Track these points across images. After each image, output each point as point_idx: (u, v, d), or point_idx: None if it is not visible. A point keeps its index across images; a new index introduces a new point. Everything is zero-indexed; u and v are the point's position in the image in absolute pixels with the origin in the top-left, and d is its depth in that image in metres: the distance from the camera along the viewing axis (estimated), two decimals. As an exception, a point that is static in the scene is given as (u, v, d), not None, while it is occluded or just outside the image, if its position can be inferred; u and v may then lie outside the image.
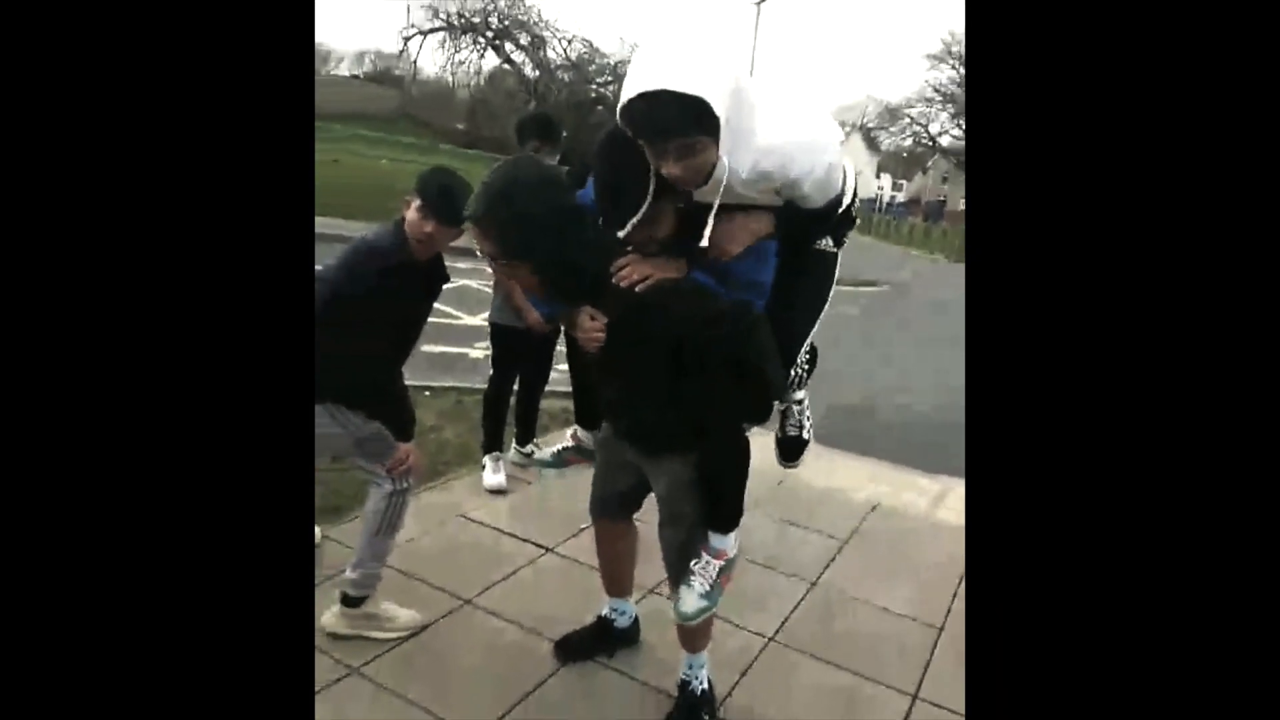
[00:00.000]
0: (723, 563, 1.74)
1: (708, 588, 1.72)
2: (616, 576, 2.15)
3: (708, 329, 1.47)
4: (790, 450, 2.09)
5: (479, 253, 1.53)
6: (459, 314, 7.15)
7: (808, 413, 2.11)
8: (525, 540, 2.78)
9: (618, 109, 1.32)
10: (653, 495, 1.85)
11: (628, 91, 1.29)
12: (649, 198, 1.42)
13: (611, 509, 2.02)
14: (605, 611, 2.20)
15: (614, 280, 1.51)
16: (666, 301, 1.49)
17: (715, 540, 1.74)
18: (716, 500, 1.73)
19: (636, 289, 1.49)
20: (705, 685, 1.98)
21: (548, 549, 2.74)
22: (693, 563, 1.74)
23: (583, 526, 2.66)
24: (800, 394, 2.08)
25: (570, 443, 2.31)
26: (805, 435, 2.07)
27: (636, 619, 2.24)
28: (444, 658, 2.12)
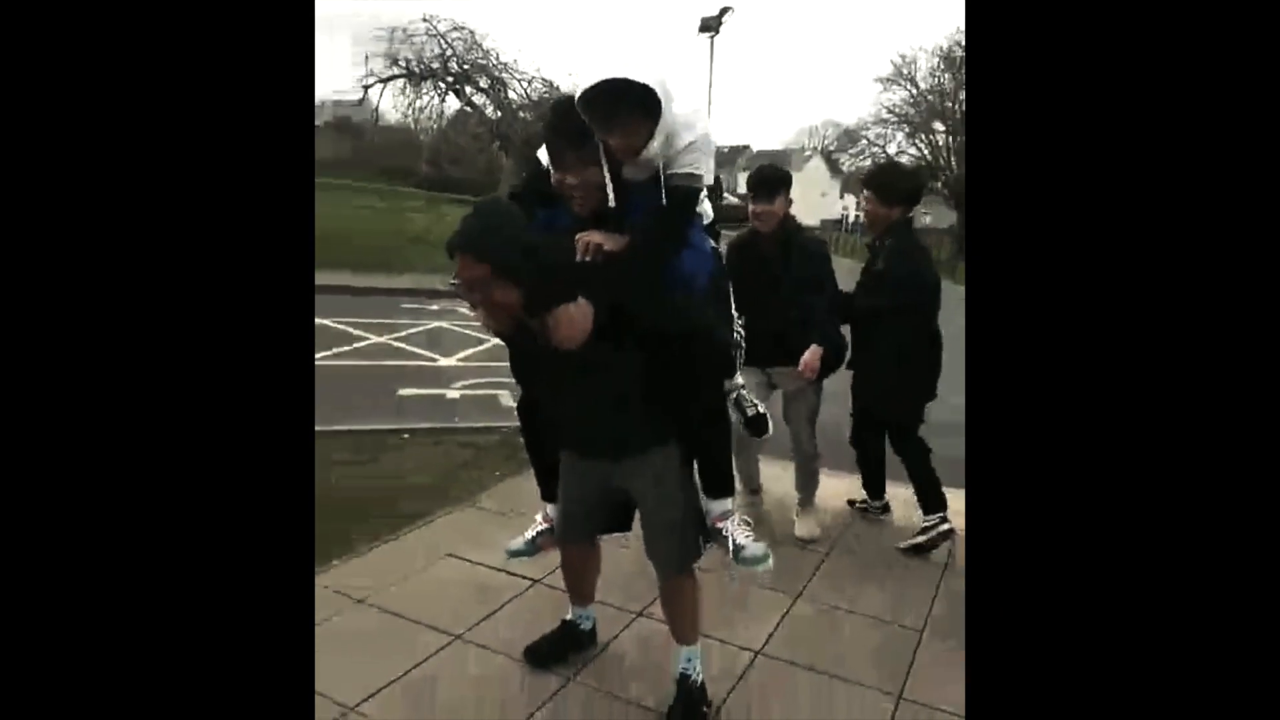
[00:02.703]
0: (737, 516, 1.97)
1: (753, 535, 1.96)
2: (583, 588, 2.32)
3: (677, 320, 1.72)
4: (758, 426, 2.40)
5: (456, 285, 1.67)
6: (435, 356, 7.18)
7: (748, 394, 2.46)
8: (513, 574, 2.82)
9: (578, 99, 1.63)
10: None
11: (589, 83, 1.60)
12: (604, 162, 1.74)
13: (585, 533, 2.15)
14: (570, 616, 2.36)
15: (577, 255, 1.71)
16: (639, 297, 1.71)
17: (720, 505, 1.95)
18: (713, 467, 1.92)
19: (595, 259, 1.71)
20: (700, 678, 2.08)
21: (535, 580, 2.78)
22: (726, 527, 1.94)
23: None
24: (739, 378, 2.43)
25: (543, 525, 2.25)
26: (762, 410, 2.35)
27: (594, 623, 2.39)
28: (438, 692, 2.15)
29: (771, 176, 3.20)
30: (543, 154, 1.86)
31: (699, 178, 1.79)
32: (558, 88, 18.07)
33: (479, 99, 17.34)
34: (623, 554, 2.54)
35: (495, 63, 16.94)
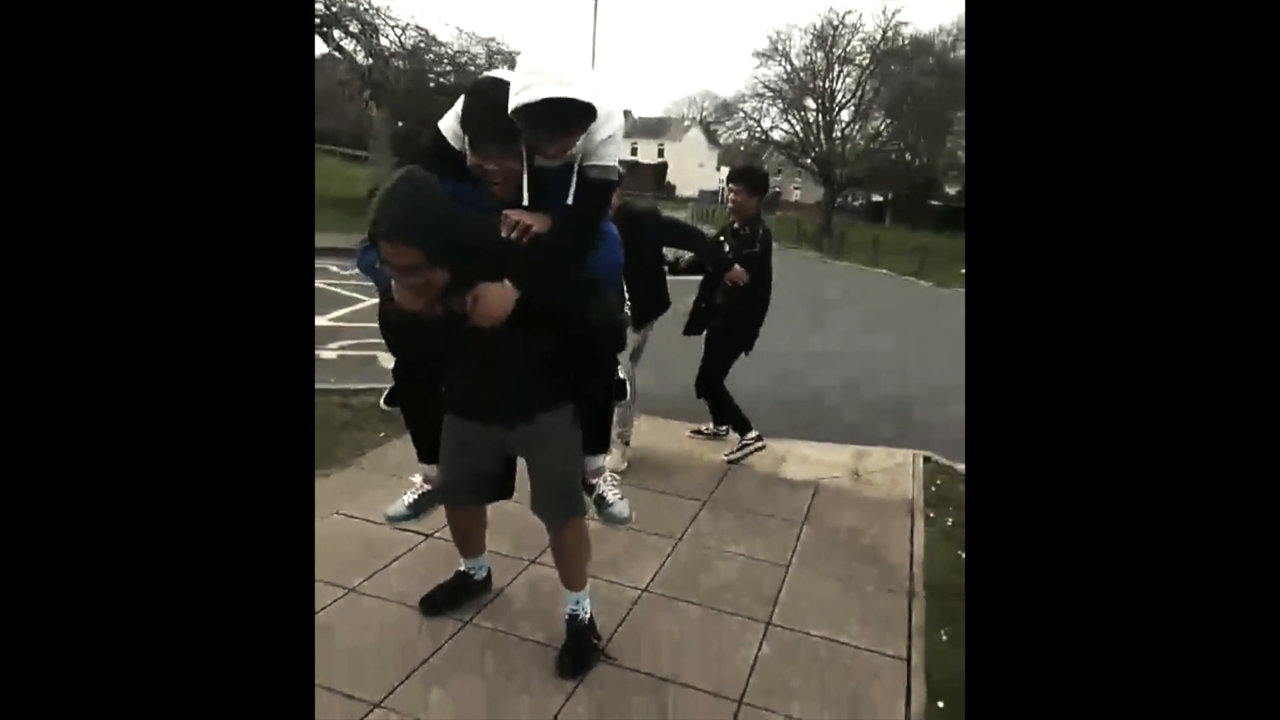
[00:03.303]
0: (609, 474, 2.16)
1: (620, 494, 2.17)
2: (473, 542, 2.40)
3: (588, 305, 1.82)
4: (619, 390, 2.55)
5: (384, 268, 1.65)
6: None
7: (626, 362, 2.72)
8: (404, 530, 2.85)
9: (515, 108, 1.59)
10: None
11: (530, 94, 1.57)
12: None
13: (474, 501, 2.22)
14: (463, 567, 2.44)
15: (504, 233, 1.71)
16: (556, 282, 1.77)
17: (596, 461, 2.14)
18: (597, 425, 2.09)
19: (524, 240, 1.72)
20: (588, 616, 2.23)
21: (427, 535, 2.83)
22: (599, 484, 2.14)
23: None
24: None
25: (425, 487, 2.29)
26: (623, 375, 2.54)
27: (489, 572, 2.49)
28: (337, 640, 2.19)
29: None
30: (445, 125, 1.82)
31: (614, 170, 1.83)
32: (434, 36, 17.29)
33: (348, 44, 16.28)
34: (513, 506, 2.64)
35: (367, 7, 15.94)
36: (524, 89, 1.58)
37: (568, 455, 2.06)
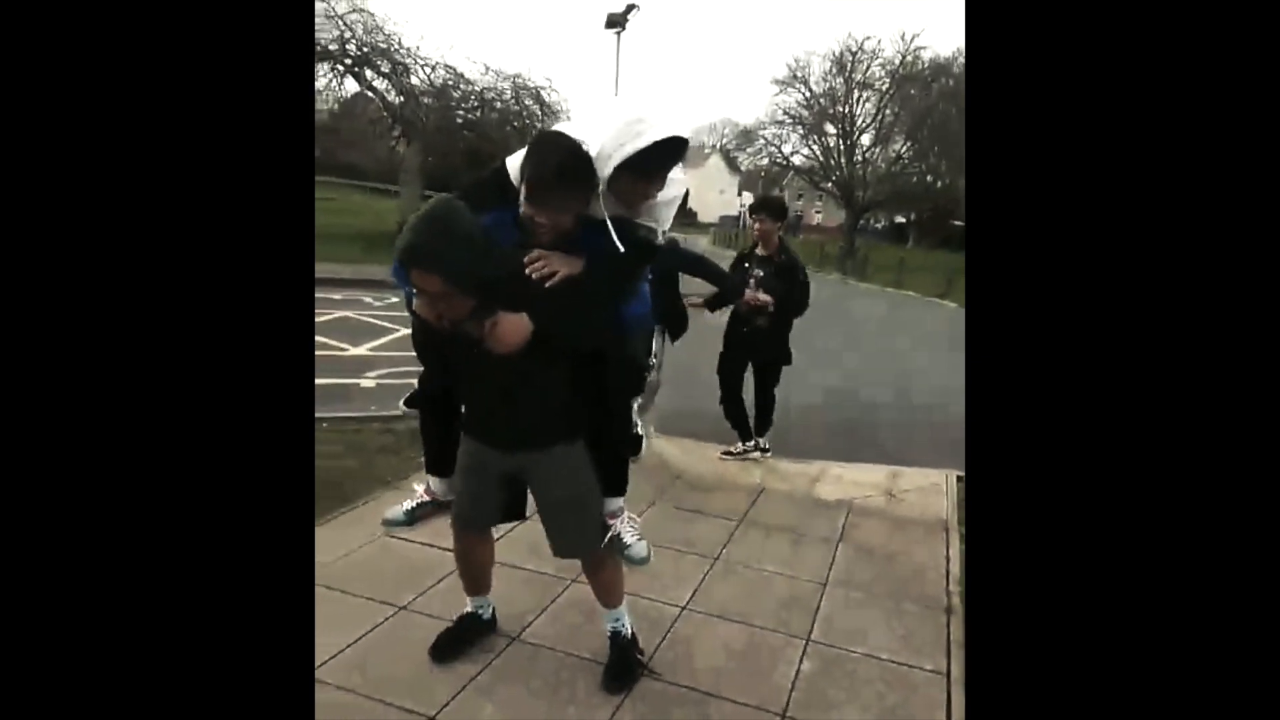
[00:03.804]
0: (626, 515, 2.15)
1: (639, 535, 2.16)
2: (481, 579, 2.36)
3: (611, 345, 1.86)
4: (634, 446, 2.56)
5: (412, 294, 1.73)
6: (344, 345, 7.05)
7: (637, 417, 2.64)
8: (446, 550, 2.94)
9: (629, 156, 1.68)
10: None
11: (645, 139, 1.67)
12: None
13: (483, 523, 2.21)
14: (469, 608, 2.39)
15: (528, 272, 1.74)
16: (579, 327, 1.80)
17: (615, 504, 2.12)
18: (615, 467, 2.08)
19: (547, 284, 1.75)
20: (630, 632, 2.28)
21: (471, 554, 2.91)
22: (616, 525, 2.12)
23: (500, 533, 2.85)
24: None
25: (425, 497, 2.33)
26: (639, 432, 2.56)
27: (494, 610, 2.44)
28: (390, 656, 2.27)
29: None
30: (511, 163, 1.86)
31: (659, 233, 1.88)
32: (462, 75, 17.77)
33: (379, 84, 16.80)
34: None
35: (397, 47, 16.47)
36: (635, 136, 1.67)
37: (582, 493, 2.04)
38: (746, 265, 4.35)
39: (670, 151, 1.71)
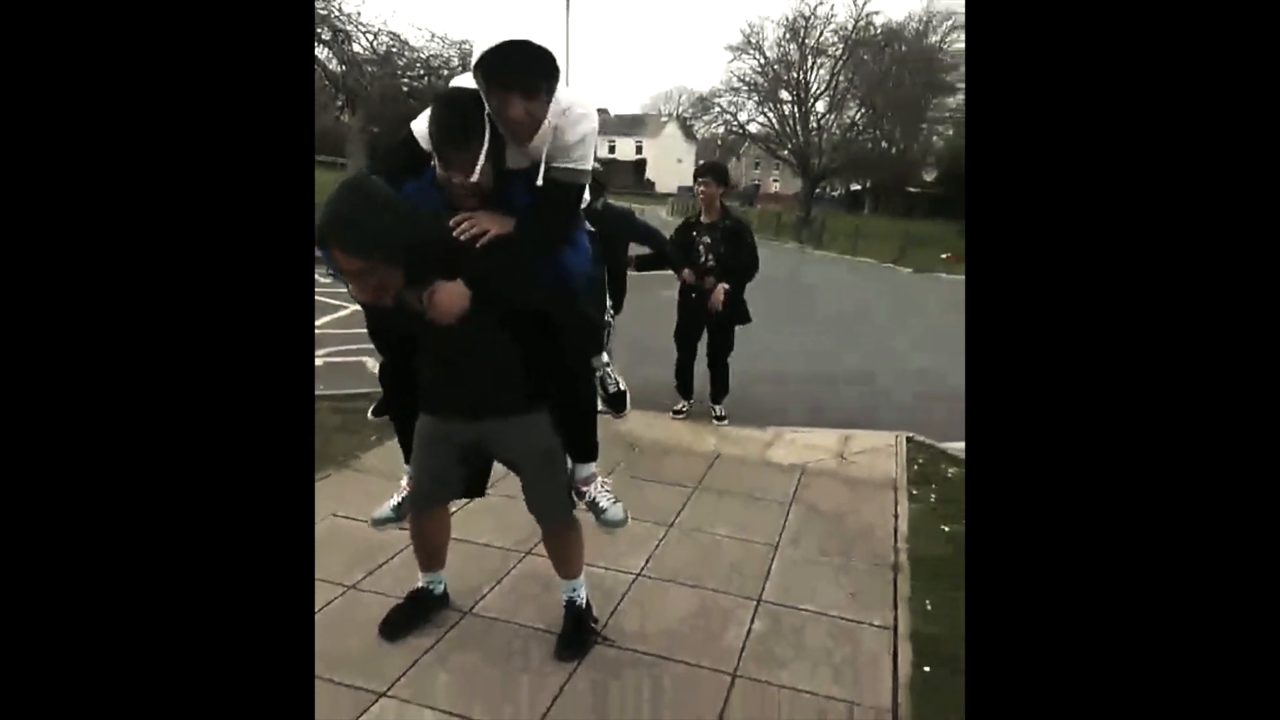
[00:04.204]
0: (600, 480, 2.15)
1: (614, 498, 2.16)
2: (436, 555, 2.34)
3: (553, 298, 1.80)
4: (618, 403, 2.52)
5: (334, 274, 1.65)
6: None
7: (614, 371, 2.56)
8: (403, 529, 2.91)
9: (474, 60, 1.58)
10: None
11: (485, 45, 1.55)
12: (486, 143, 1.67)
13: (441, 499, 2.19)
14: (422, 583, 2.37)
15: (455, 234, 1.69)
16: (514, 285, 1.75)
17: (585, 469, 2.12)
18: (580, 434, 2.06)
19: (478, 244, 1.69)
20: (584, 600, 2.30)
21: (424, 530, 2.89)
22: (591, 490, 2.14)
23: (457, 507, 2.84)
24: (604, 356, 2.57)
25: (408, 490, 2.28)
26: (623, 388, 2.52)
27: (445, 586, 2.42)
28: (339, 636, 2.25)
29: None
30: (416, 127, 1.81)
31: (584, 173, 1.79)
32: (405, 41, 17.27)
33: (321, 52, 16.21)
34: (506, 500, 2.71)
35: (338, 14, 15.88)
36: (483, 46, 1.56)
37: (549, 461, 2.04)
38: (695, 234, 4.38)
39: (521, 58, 1.55)
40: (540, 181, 1.74)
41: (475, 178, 1.67)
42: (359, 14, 19.02)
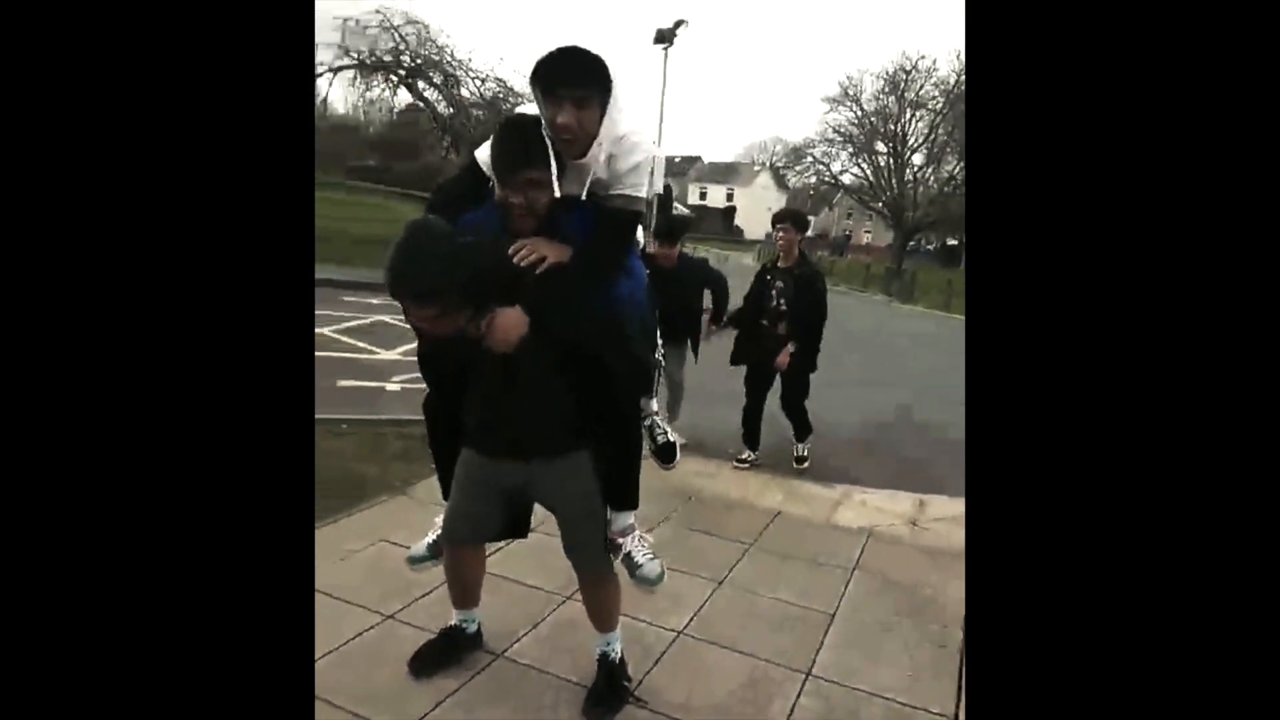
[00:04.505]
0: (638, 533, 2.03)
1: (652, 554, 2.03)
2: (469, 593, 2.27)
3: (602, 341, 1.73)
4: (666, 454, 2.42)
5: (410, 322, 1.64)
6: (375, 349, 7.13)
7: (663, 422, 2.50)
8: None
9: (531, 72, 1.61)
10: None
11: (540, 56, 1.59)
12: (553, 162, 1.67)
13: (478, 539, 2.12)
14: (455, 621, 2.30)
15: (514, 260, 1.68)
16: (569, 314, 1.71)
17: (625, 520, 2.01)
18: (624, 480, 1.96)
19: (537, 271, 1.68)
20: (619, 655, 2.18)
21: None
22: (627, 543, 2.02)
23: (498, 546, 2.78)
24: (653, 404, 2.47)
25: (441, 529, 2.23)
26: (672, 439, 2.40)
27: (480, 625, 2.34)
28: (370, 666, 2.21)
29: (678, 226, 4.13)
30: (480, 153, 1.83)
31: (639, 200, 1.77)
32: (511, 88, 18.06)
33: (431, 94, 17.18)
34: (547, 540, 2.63)
35: (449, 59, 16.84)
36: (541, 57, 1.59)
37: (590, 507, 1.96)
38: (768, 278, 4.39)
39: (573, 66, 1.58)
40: (592, 207, 1.74)
41: (556, 192, 1.69)
42: (470, 59, 20.09)
